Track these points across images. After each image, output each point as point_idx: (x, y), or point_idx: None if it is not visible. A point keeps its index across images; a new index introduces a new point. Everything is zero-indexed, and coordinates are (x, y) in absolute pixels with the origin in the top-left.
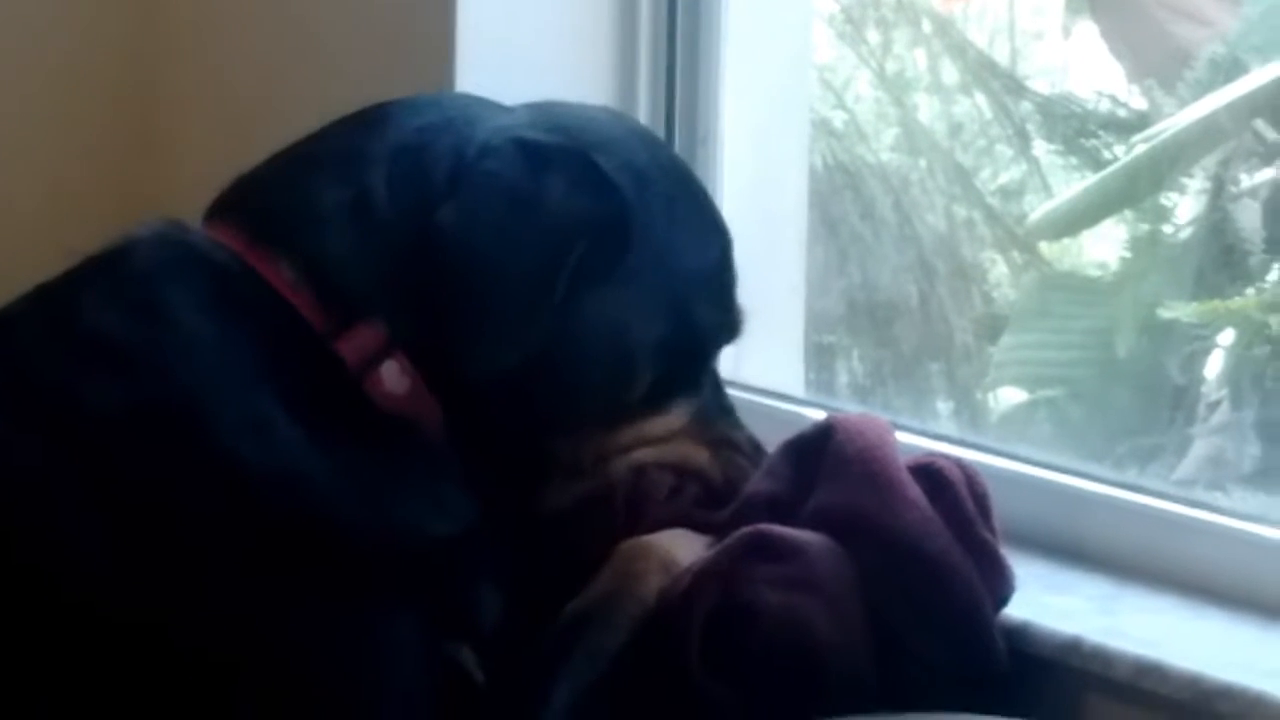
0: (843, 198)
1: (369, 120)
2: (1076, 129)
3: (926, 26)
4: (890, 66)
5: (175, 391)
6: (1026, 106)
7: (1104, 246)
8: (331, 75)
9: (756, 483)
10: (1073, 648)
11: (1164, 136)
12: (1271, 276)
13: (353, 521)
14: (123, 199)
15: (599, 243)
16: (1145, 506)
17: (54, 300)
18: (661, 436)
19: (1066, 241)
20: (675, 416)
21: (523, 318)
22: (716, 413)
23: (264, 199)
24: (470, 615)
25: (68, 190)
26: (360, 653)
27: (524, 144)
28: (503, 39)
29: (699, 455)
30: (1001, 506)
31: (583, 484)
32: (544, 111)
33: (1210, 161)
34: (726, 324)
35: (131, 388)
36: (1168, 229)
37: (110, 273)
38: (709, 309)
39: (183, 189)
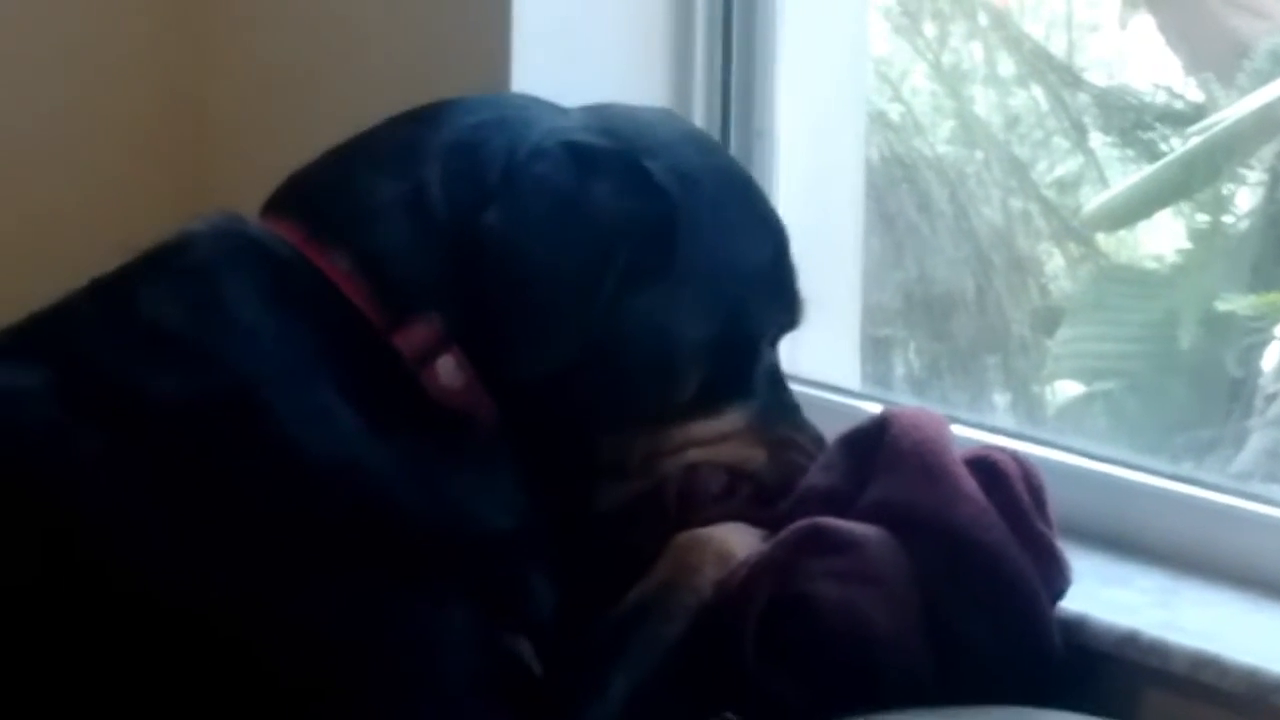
0: (899, 191)
1: (424, 117)
2: (1133, 121)
3: (983, 19)
4: (947, 59)
5: (236, 382)
6: (1083, 99)
7: (1160, 239)
8: (387, 74)
9: (813, 476)
10: (1130, 641)
11: (1221, 128)
12: None
13: (414, 511)
14: (177, 195)
15: (645, 246)
16: (1202, 499)
17: (112, 293)
18: (714, 438)
19: (1123, 234)
20: (729, 419)
21: (566, 320)
22: (778, 412)
23: (320, 193)
24: (526, 607)
25: (120, 187)
26: (419, 641)
27: (573, 147)
28: (558, 37)
29: (755, 455)
30: (1057, 499)
31: (633, 483)
32: (599, 114)
33: (1267, 153)
34: (782, 320)
35: (192, 379)
36: (1226, 220)
37: (169, 266)
38: (762, 308)
39: (238, 185)
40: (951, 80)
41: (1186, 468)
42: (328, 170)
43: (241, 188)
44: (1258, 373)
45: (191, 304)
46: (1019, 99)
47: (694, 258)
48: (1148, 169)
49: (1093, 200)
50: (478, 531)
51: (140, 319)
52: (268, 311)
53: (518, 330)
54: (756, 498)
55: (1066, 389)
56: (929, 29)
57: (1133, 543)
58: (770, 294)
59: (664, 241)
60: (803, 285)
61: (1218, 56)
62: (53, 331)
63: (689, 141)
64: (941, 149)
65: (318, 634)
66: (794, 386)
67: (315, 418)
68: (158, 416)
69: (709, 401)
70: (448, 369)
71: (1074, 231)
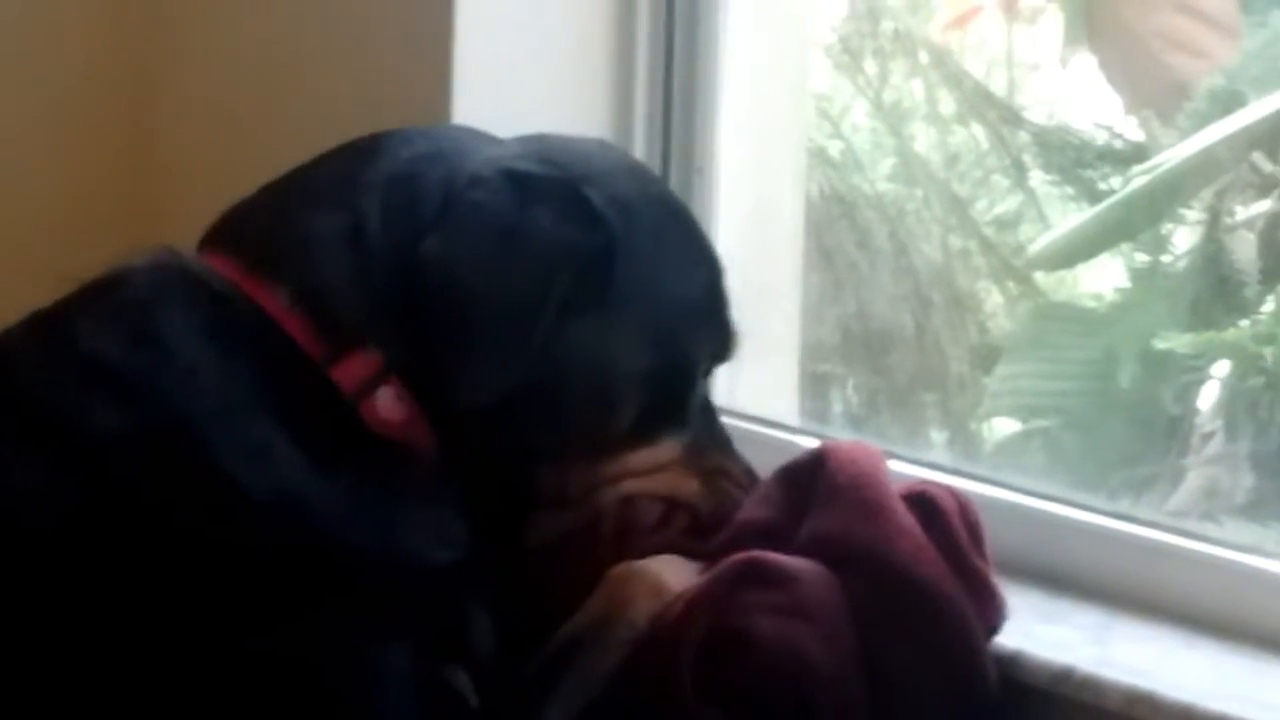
0: (839, 227)
1: (362, 150)
2: (1073, 160)
3: (924, 57)
4: (887, 96)
5: (174, 416)
6: (1023, 137)
7: (1099, 277)
8: (330, 106)
9: (749, 510)
10: (1064, 677)
11: (1162, 168)
12: (1266, 308)
13: (353, 545)
14: (117, 227)
15: (584, 274)
16: (1138, 536)
17: (51, 326)
18: (650, 468)
19: (1062, 273)
20: (665, 449)
21: (508, 348)
22: (709, 443)
23: (258, 227)
24: (465, 640)
25: (62, 219)
26: (355, 677)
27: (513, 174)
28: (500, 70)
29: (689, 486)
30: (994, 535)
31: (570, 514)
32: (535, 143)
33: (1207, 193)
34: (716, 350)
35: (131, 413)
36: (1164, 260)
37: (107, 299)
38: (697, 338)
39: (178, 216)
40: (892, 117)
41: (1123, 505)
42: (265, 204)
43: (185, 221)
44: (1195, 411)
45: (129, 338)
46: (959, 137)
47: (632, 287)
48: (1090, 210)
49: (1036, 241)
50: (418, 565)
51: (79, 352)
52: (206, 346)
53: (458, 360)
54: (692, 529)
55: (1004, 426)
56: (870, 66)
57: (1068, 579)
58: (705, 324)
59: (603, 270)
60: (736, 316)
61: (1158, 96)
62: None
63: (626, 171)
64: (881, 186)
65: (254, 670)
66: (732, 421)
67: (253, 452)
68: (96, 450)
69: (645, 431)
70: (387, 401)
71: (1013, 269)
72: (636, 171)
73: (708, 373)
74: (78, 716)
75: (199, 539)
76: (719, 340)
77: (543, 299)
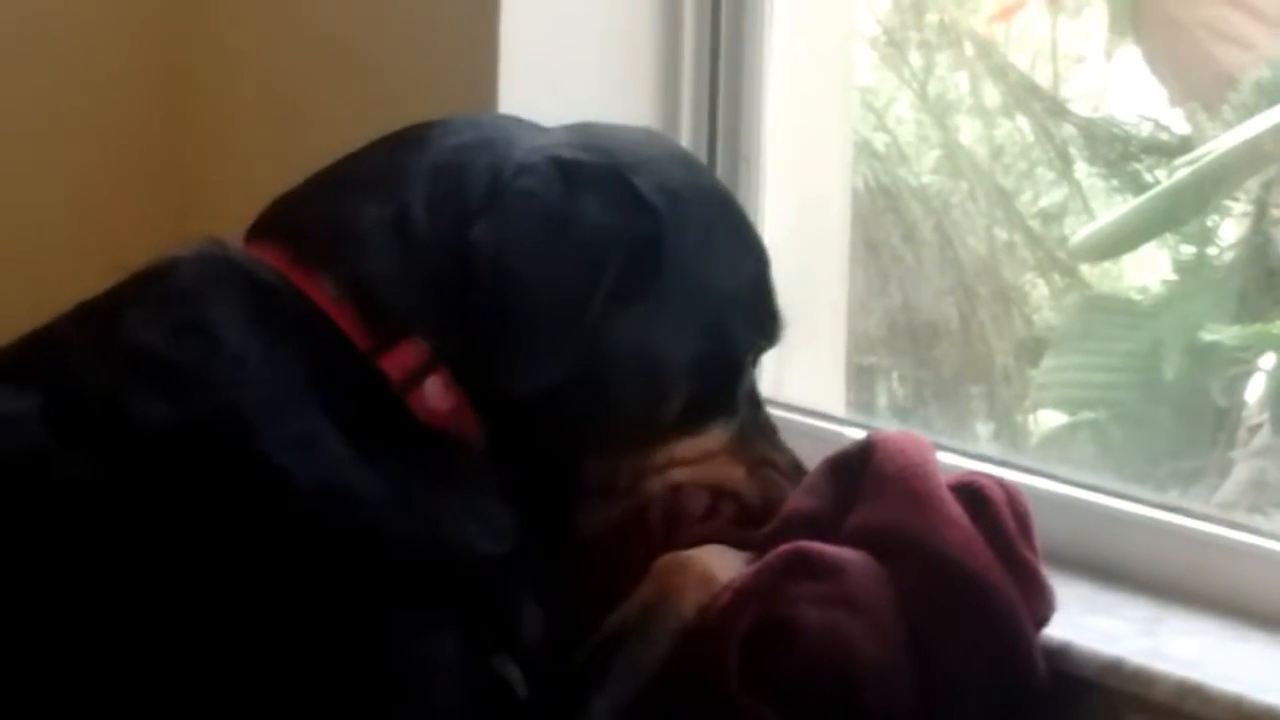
0: (884, 220)
1: (407, 140)
2: (1119, 152)
3: (969, 49)
4: (932, 89)
5: (222, 408)
6: (1069, 129)
7: (1144, 269)
8: (375, 99)
9: (797, 500)
10: (1114, 669)
11: (1207, 160)
12: None
13: (402, 536)
14: (165, 218)
15: (633, 262)
16: (1187, 528)
17: (99, 318)
18: (697, 457)
19: (1107, 265)
20: (712, 438)
21: (557, 337)
22: (756, 432)
23: (305, 218)
24: (514, 630)
25: (108, 210)
26: (408, 667)
27: (560, 163)
28: (546, 59)
29: (736, 474)
30: (1042, 527)
31: (619, 503)
32: (582, 132)
33: (1253, 184)
34: (762, 339)
35: (178, 405)
36: (1210, 252)
37: (154, 291)
38: (743, 328)
39: (224, 209)
40: (937, 110)
41: (1171, 497)
42: (312, 195)
43: (230, 211)
44: (1242, 403)
45: (177, 329)
46: (1004, 129)
47: (679, 275)
48: (1135, 201)
49: (1080, 231)
50: (467, 556)
51: (127, 344)
52: (253, 336)
53: (507, 348)
54: (739, 518)
55: (1049, 419)
56: (915, 58)
57: (1117, 571)
58: (751, 312)
59: (651, 258)
60: (782, 305)
61: (1203, 88)
62: (41, 356)
63: (672, 159)
64: (926, 178)
65: (306, 661)
66: (779, 412)
67: (301, 442)
68: (144, 442)
69: (693, 420)
70: (435, 391)
71: (1058, 262)
72: (683, 160)
73: (754, 361)
74: (129, 707)
75: (246, 529)
76: (765, 329)
77: (591, 287)
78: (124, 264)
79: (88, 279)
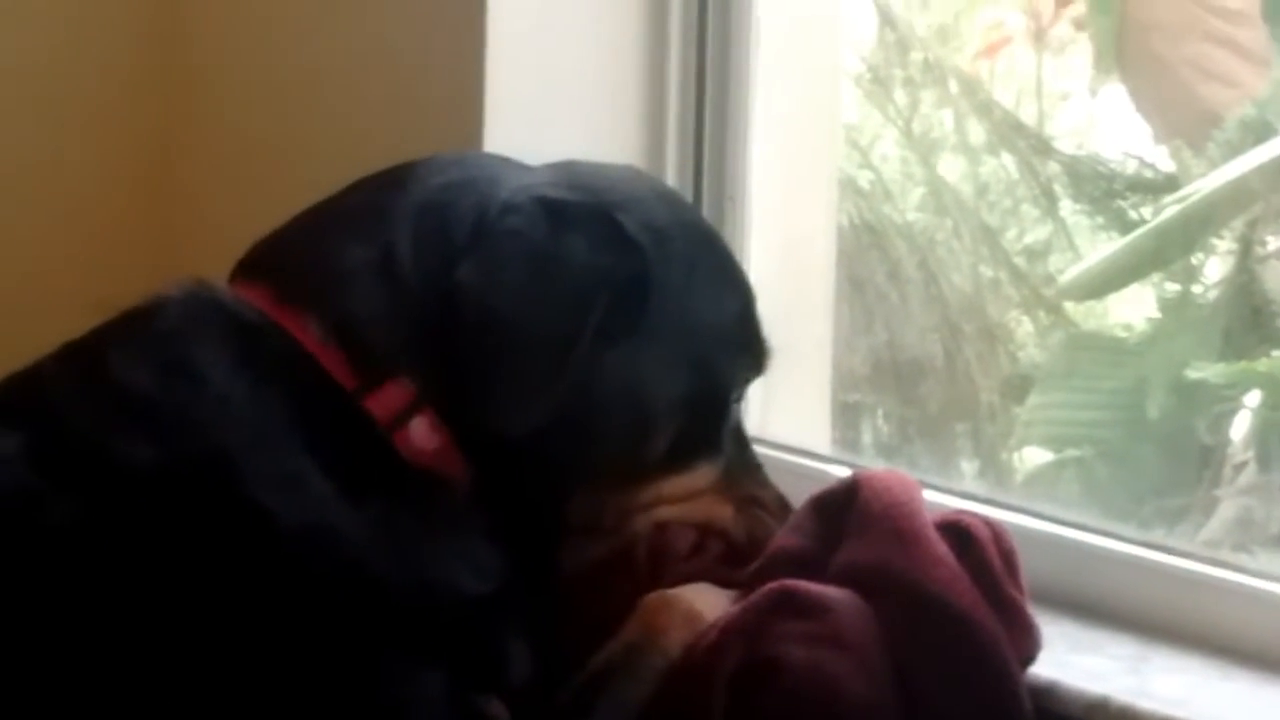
0: (869, 257)
1: (392, 179)
2: (1104, 189)
3: (953, 86)
4: (917, 126)
5: (207, 449)
6: (1053, 167)
7: (1129, 307)
8: (359, 138)
9: (782, 538)
10: (1100, 707)
11: (1194, 198)
12: None
13: (387, 577)
14: (149, 258)
15: (619, 301)
16: (1172, 566)
17: (84, 357)
18: (684, 495)
19: (1092, 303)
20: (699, 475)
21: (544, 378)
22: (742, 470)
23: (290, 258)
24: (500, 669)
25: (92, 249)
26: (391, 708)
27: (545, 202)
28: (532, 98)
29: (723, 513)
30: (1028, 565)
31: (605, 542)
32: (566, 170)
33: (1238, 222)
34: (747, 369)
35: (164, 445)
36: (1196, 290)
37: (140, 331)
38: (730, 363)
39: (208, 248)
40: (921, 147)
41: (1157, 535)
42: (297, 234)
43: (218, 246)
44: (1227, 441)
45: (162, 369)
46: (989, 166)
47: (666, 313)
48: (1122, 240)
49: (1067, 271)
50: (453, 596)
51: (112, 384)
52: (238, 377)
53: (493, 389)
54: (725, 557)
55: (1035, 456)
56: (899, 96)
57: (1103, 609)
58: (738, 349)
59: (638, 296)
60: (768, 338)
61: (1189, 125)
62: (26, 396)
63: (657, 197)
64: (911, 216)
65: (291, 702)
66: (764, 450)
67: (286, 483)
68: (129, 483)
69: (679, 458)
70: (421, 431)
71: (1043, 299)
72: (667, 197)
73: (740, 396)
74: None
75: (232, 571)
76: (752, 364)
77: (578, 327)
78: (108, 303)
79: (73, 317)
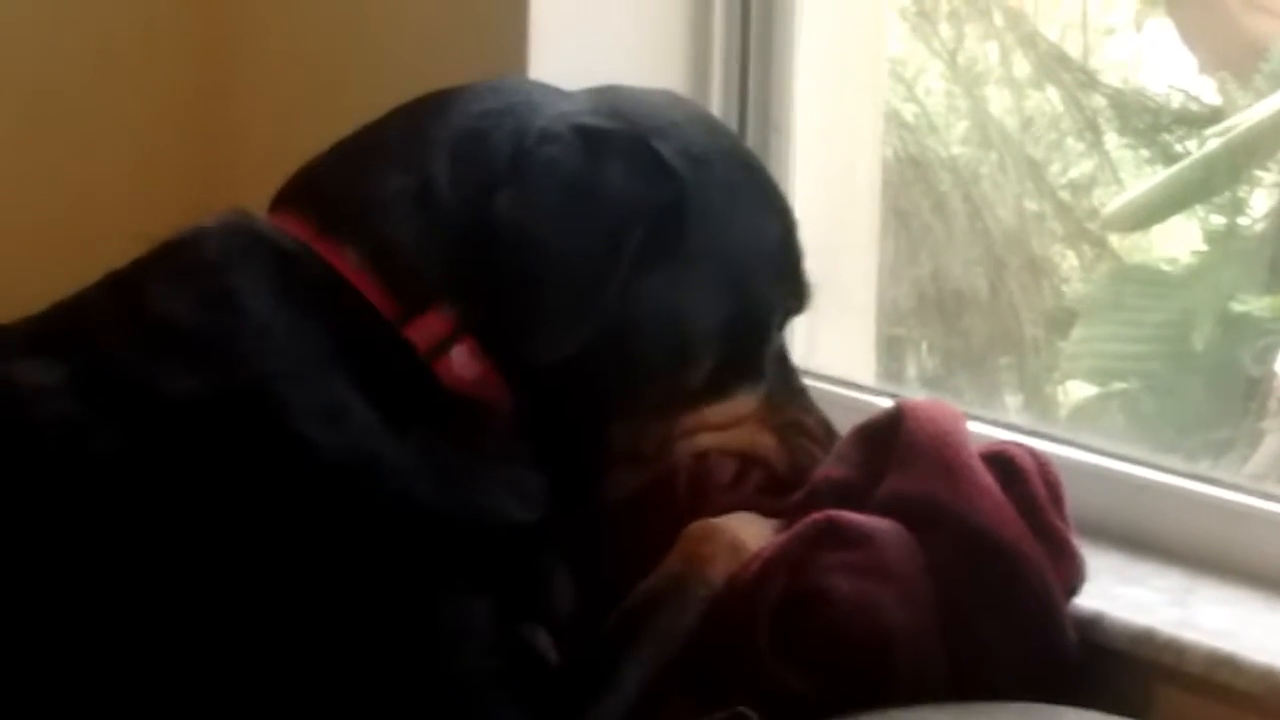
0: (914, 190)
1: (430, 107)
2: (1149, 123)
3: (998, 20)
4: (962, 59)
5: (248, 379)
6: (1098, 100)
7: (1174, 240)
8: (404, 65)
9: (826, 468)
10: (1145, 639)
11: (1239, 130)
12: None
13: (431, 505)
14: (196, 186)
15: (657, 228)
16: (1218, 499)
17: (126, 289)
18: (725, 422)
19: (1137, 236)
20: (740, 403)
21: (581, 304)
22: (785, 395)
23: (329, 187)
24: (545, 598)
25: (140, 178)
26: (436, 635)
27: (583, 130)
28: (577, 27)
29: (766, 441)
30: (1073, 497)
31: (646, 470)
32: (605, 96)
33: None
34: (789, 303)
35: (206, 376)
36: (1241, 222)
37: (180, 262)
38: (770, 291)
39: (251, 178)
40: (966, 81)
41: (1202, 467)
42: (335, 164)
43: (264, 177)
44: (1273, 373)
45: (202, 301)
46: (1034, 100)
47: (704, 240)
48: (1167, 171)
49: (1111, 202)
50: (497, 524)
51: (154, 316)
52: (279, 307)
53: (532, 315)
54: (768, 486)
55: (1079, 390)
56: (944, 29)
57: (1148, 541)
58: (778, 276)
59: (675, 223)
60: (810, 268)
61: (1234, 58)
62: (69, 328)
63: (697, 123)
64: (956, 149)
65: (334, 630)
66: (810, 382)
67: (327, 413)
68: (172, 414)
69: (719, 385)
70: (462, 359)
71: (1088, 233)
72: (707, 123)
73: (782, 325)
74: (157, 674)
75: (275, 501)
76: (793, 292)
77: (615, 255)
78: (150, 235)
79: (120, 248)
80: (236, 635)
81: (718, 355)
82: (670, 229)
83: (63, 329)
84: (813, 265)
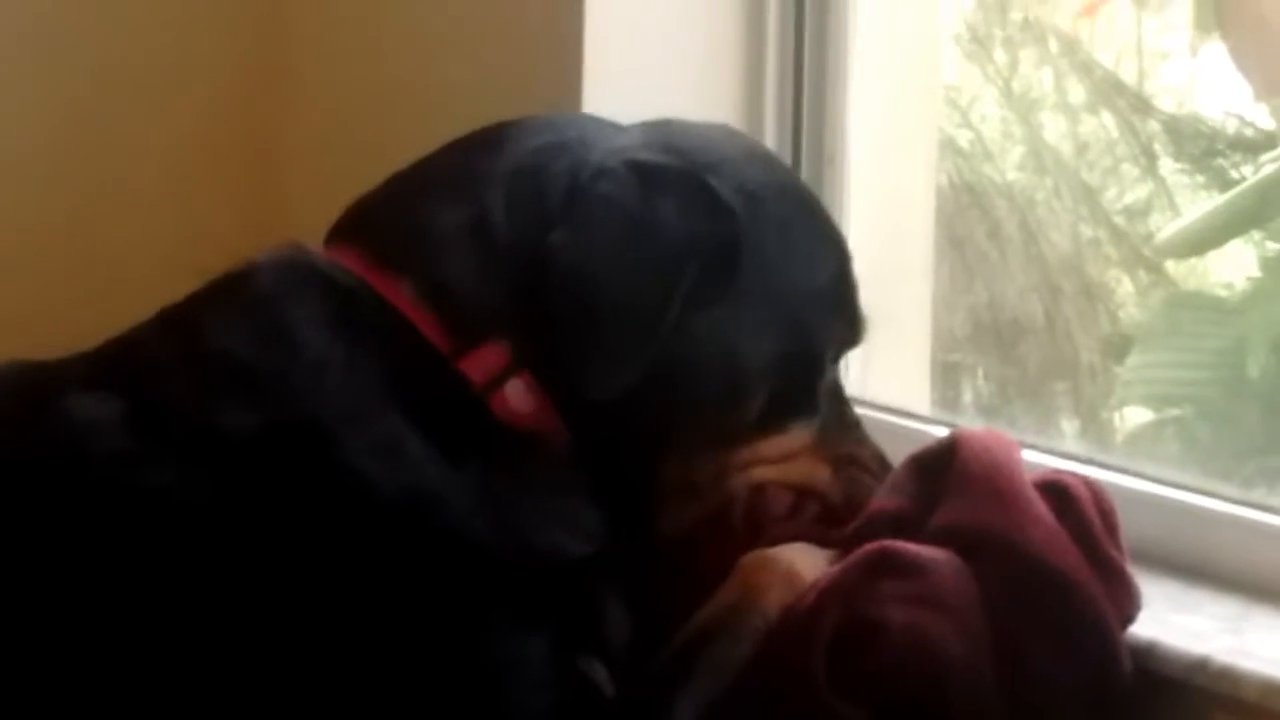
0: (969, 217)
1: (485, 142)
2: (1204, 148)
3: (1053, 46)
4: (1016, 86)
5: (303, 414)
6: (1153, 125)
7: (1230, 266)
8: (459, 99)
9: (881, 498)
10: (1200, 667)
11: None
12: None
13: (487, 540)
14: (249, 222)
15: (711, 265)
16: (1274, 526)
17: (181, 324)
18: (780, 456)
19: (1193, 262)
20: (795, 436)
21: (636, 341)
22: (839, 429)
23: (384, 222)
24: (600, 631)
25: (193, 213)
26: (493, 670)
27: (638, 166)
28: (631, 59)
29: (821, 474)
30: (1128, 525)
31: (701, 503)
32: (660, 131)
33: None
34: (844, 338)
35: (261, 411)
36: None
37: (235, 297)
38: (824, 326)
39: (305, 213)
40: (1021, 107)
41: (1258, 494)
42: (390, 198)
43: (317, 210)
44: None
45: (258, 335)
46: (1089, 125)
47: (759, 276)
48: (1221, 197)
49: (1166, 228)
50: (553, 558)
51: (209, 351)
52: (334, 341)
53: (585, 354)
54: (823, 517)
55: (1135, 416)
56: (999, 56)
57: (1203, 568)
58: (833, 310)
59: (729, 260)
60: (865, 302)
61: None
62: (124, 363)
63: (751, 158)
64: (1011, 175)
65: (391, 666)
66: (864, 411)
67: (383, 449)
68: (227, 449)
69: (774, 419)
70: (517, 393)
71: (1143, 258)
72: (762, 158)
73: (836, 359)
74: (206, 712)
75: (330, 537)
76: (847, 327)
77: (669, 292)
78: (204, 269)
79: (171, 282)
80: (292, 672)
81: (772, 390)
82: (725, 266)
83: (118, 363)
84: (867, 295)
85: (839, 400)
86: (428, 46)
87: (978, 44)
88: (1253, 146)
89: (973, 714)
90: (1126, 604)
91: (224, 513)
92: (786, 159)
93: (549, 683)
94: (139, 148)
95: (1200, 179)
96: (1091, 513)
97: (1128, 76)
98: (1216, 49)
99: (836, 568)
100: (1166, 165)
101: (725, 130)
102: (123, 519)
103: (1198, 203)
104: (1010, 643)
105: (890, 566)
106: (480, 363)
